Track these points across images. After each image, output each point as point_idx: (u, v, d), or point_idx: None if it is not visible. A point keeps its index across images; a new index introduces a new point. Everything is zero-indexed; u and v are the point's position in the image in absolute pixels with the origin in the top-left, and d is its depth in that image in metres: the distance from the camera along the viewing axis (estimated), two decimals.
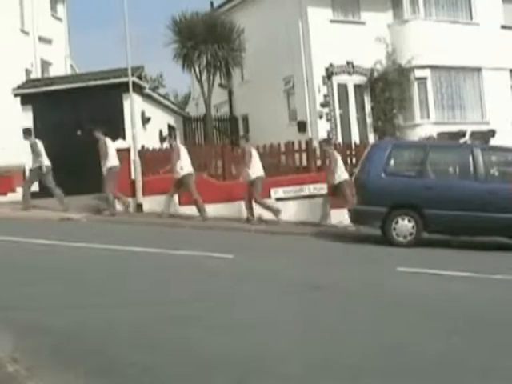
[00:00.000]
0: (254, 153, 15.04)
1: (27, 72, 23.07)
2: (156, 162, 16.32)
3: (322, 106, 20.54)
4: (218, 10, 24.03)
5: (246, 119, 23.89)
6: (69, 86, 18.77)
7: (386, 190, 12.41)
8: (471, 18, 22.56)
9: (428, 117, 21.26)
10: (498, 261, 11.28)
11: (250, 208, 14.85)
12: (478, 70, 22.17)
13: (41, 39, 24.49)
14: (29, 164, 16.01)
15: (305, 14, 20.49)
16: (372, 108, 21.28)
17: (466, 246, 12.48)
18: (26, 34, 23.80)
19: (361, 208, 12.74)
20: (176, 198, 15.46)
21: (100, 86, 18.37)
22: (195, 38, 20.95)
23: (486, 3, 22.41)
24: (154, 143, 18.22)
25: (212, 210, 15.15)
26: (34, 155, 15.32)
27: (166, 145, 16.28)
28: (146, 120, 19.21)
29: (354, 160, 17.14)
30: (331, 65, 20.66)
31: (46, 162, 15.26)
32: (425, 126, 20.70)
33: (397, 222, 12.28)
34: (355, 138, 20.36)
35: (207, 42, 20.92)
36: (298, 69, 20.74)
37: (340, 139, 20.11)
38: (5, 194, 17.09)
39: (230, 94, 24.78)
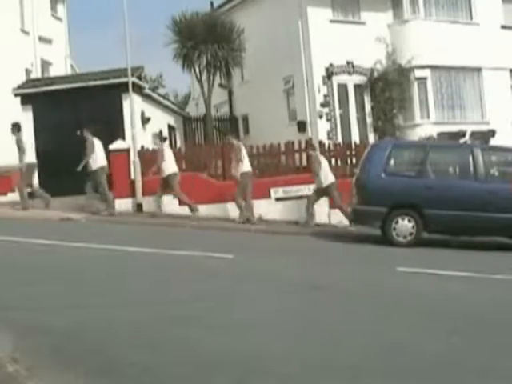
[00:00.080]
0: (244, 149, 15.19)
1: (27, 72, 23.08)
2: (156, 162, 16.27)
3: (322, 105, 20.53)
4: (218, 10, 24.03)
5: (245, 119, 23.88)
6: (69, 85, 18.74)
7: (386, 190, 12.41)
8: (471, 18, 22.56)
9: (428, 117, 21.25)
10: (498, 261, 11.29)
11: (249, 208, 14.85)
12: (478, 69, 22.17)
13: (41, 39, 24.51)
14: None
15: (305, 14, 20.48)
16: (372, 108, 21.27)
17: (465, 245, 12.49)
18: (26, 33, 23.82)
19: (361, 208, 12.75)
20: (176, 198, 15.46)
21: (100, 86, 18.34)
22: (195, 38, 20.94)
23: (486, 3, 22.42)
24: (153, 143, 18.16)
25: (212, 210, 15.14)
26: (19, 152, 15.24)
27: (154, 146, 16.30)
28: (145, 120, 19.19)
29: (354, 160, 17.14)
30: (331, 65, 20.65)
31: (27, 159, 15.21)
32: (425, 126, 20.69)
33: (397, 222, 12.29)
34: (355, 137, 20.34)
35: (207, 42, 20.91)
36: (298, 69, 20.73)
37: (340, 139, 20.12)
38: (5, 194, 17.08)
39: (230, 93, 24.76)
